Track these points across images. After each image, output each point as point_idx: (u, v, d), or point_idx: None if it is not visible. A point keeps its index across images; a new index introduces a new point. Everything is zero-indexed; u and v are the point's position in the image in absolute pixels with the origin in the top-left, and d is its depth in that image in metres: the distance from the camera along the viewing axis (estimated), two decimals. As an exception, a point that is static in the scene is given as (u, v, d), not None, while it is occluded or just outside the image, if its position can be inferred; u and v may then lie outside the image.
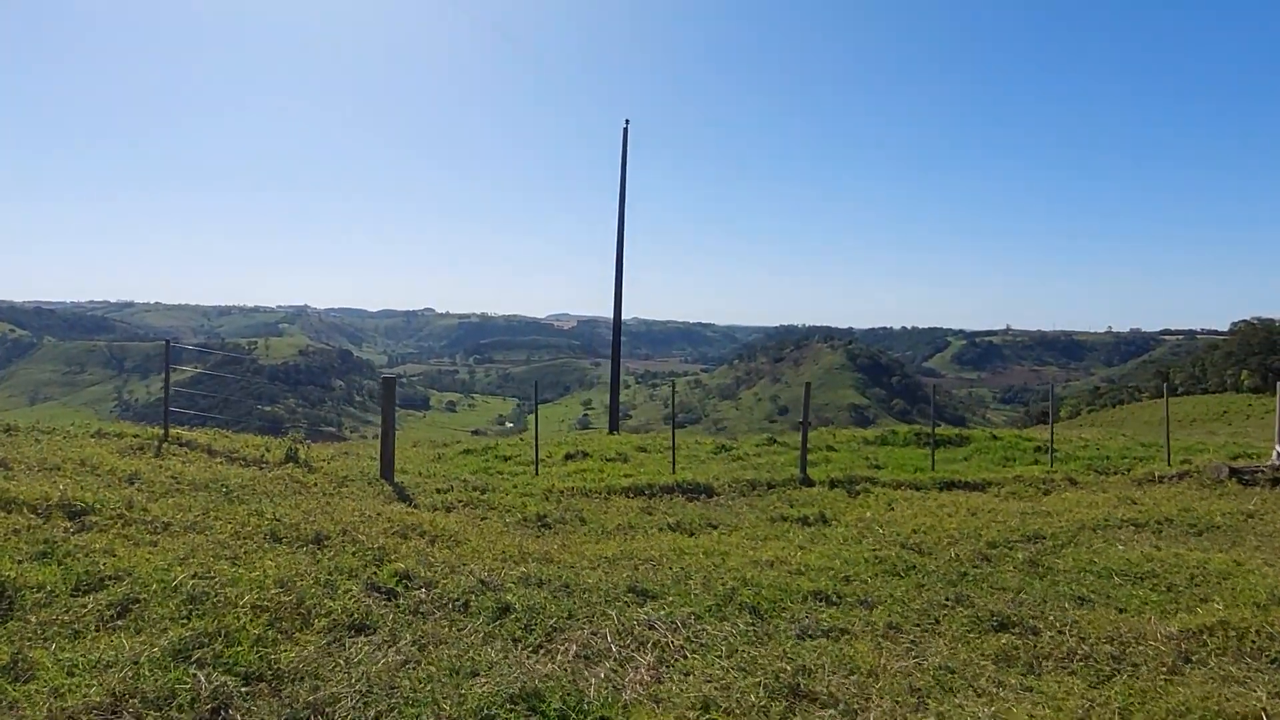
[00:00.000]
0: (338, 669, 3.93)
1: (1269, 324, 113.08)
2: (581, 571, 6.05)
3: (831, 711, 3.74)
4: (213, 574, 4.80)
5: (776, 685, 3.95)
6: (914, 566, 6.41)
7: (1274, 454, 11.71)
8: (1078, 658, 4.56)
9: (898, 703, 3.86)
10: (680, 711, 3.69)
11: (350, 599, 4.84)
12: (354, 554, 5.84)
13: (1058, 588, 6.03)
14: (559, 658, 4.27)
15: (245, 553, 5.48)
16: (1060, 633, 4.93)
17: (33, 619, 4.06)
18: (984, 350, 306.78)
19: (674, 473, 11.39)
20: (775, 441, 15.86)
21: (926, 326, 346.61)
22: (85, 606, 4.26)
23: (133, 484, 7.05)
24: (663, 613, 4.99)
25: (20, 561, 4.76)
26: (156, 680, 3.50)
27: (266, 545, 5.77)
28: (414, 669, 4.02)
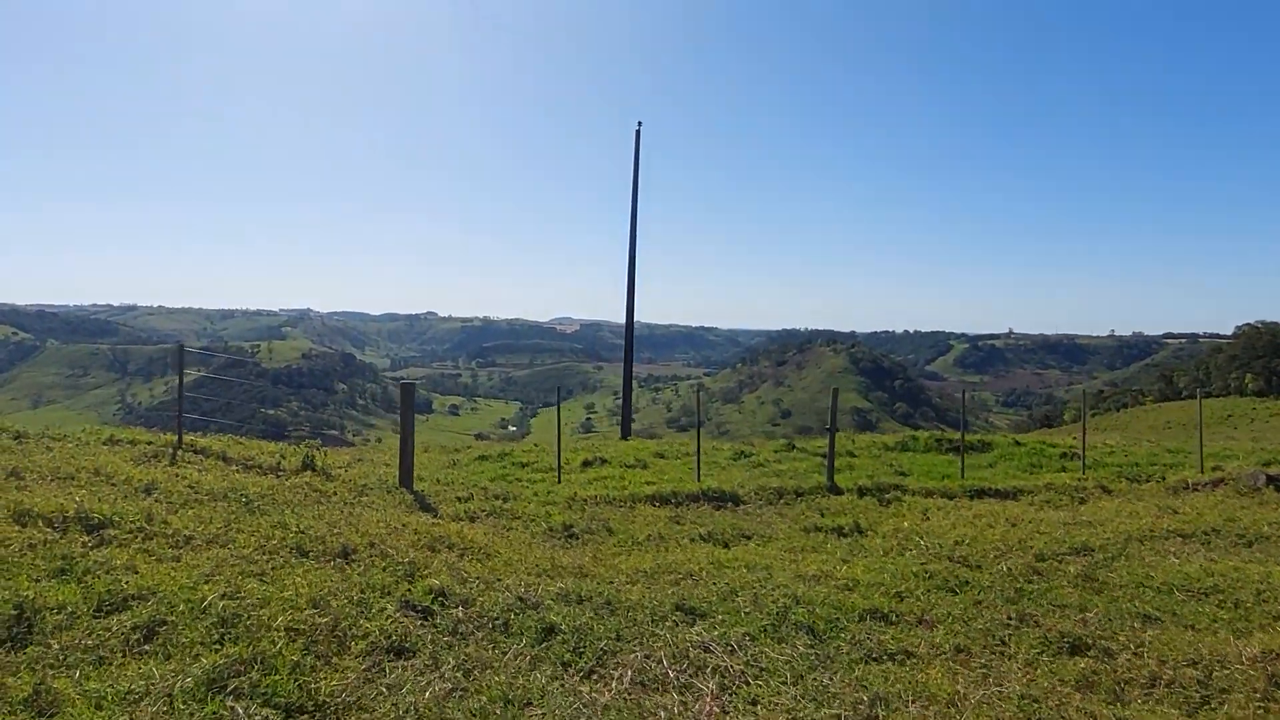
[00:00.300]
0: (382, 698, 3.67)
1: (1273, 327, 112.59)
2: (621, 587, 5.79)
3: (915, 746, 3.47)
4: (242, 593, 4.53)
5: (854, 717, 3.68)
6: (967, 582, 6.14)
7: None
8: (1162, 683, 4.28)
9: (984, 736, 3.60)
10: (754, 747, 3.43)
11: (386, 619, 4.57)
12: (384, 569, 5.58)
13: (1119, 604, 5.75)
14: (614, 685, 4.00)
15: (272, 568, 5.22)
16: (1137, 655, 4.66)
17: (54, 644, 3.80)
18: (986, 354, 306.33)
19: (699, 480, 11.11)
20: (794, 448, 15.56)
21: (929, 330, 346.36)
22: (109, 629, 3.99)
23: (150, 494, 6.79)
24: (716, 633, 4.72)
25: (38, 579, 4.50)
26: (192, 714, 3.24)
27: (293, 560, 5.50)
28: (462, 698, 3.76)
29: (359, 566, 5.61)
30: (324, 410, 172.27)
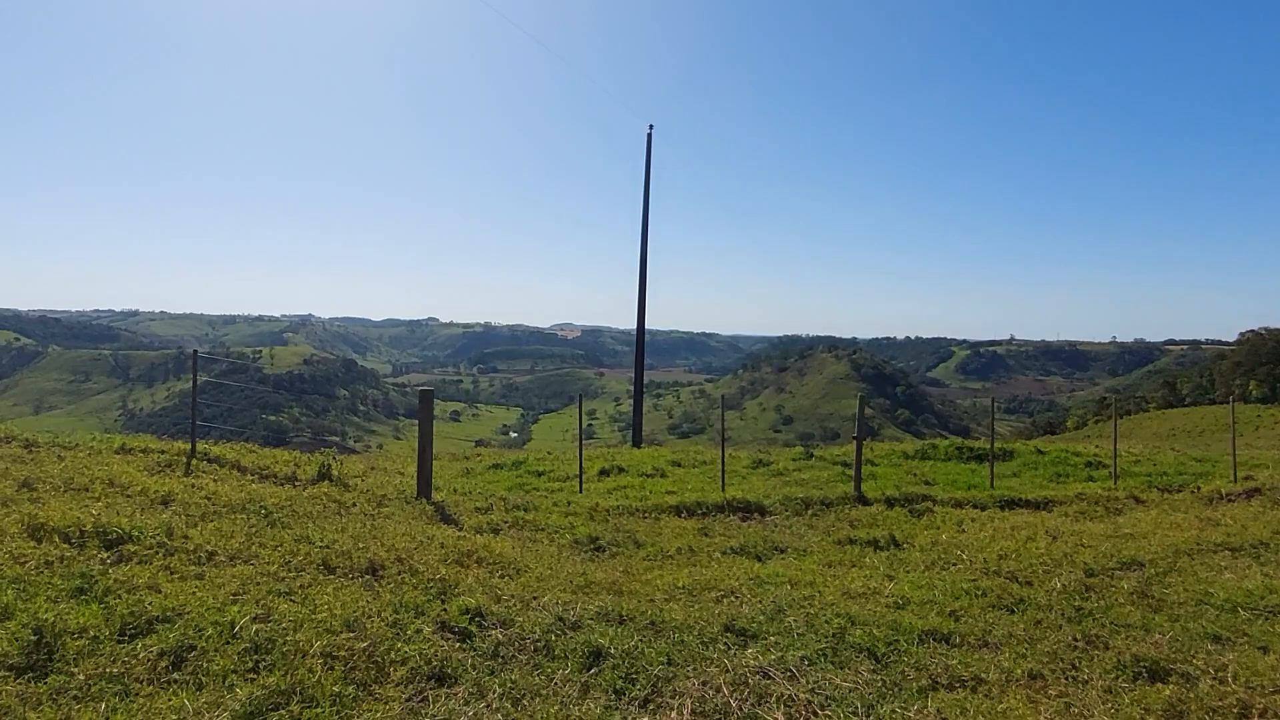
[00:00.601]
0: (429, 732, 3.41)
1: (1277, 334, 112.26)
2: (662, 605, 5.53)
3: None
4: (273, 615, 4.28)
5: (939, 753, 3.42)
6: (1022, 599, 5.87)
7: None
8: (1256, 712, 4.01)
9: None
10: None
11: (424, 642, 4.32)
12: (415, 586, 5.33)
13: (1184, 624, 5.48)
14: (674, 716, 3.74)
15: (300, 586, 4.96)
16: (1220, 681, 4.39)
17: (77, 672, 3.55)
18: (988, 360, 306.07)
19: (723, 491, 10.84)
20: (813, 456, 15.30)
21: (930, 336, 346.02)
22: (135, 655, 3.74)
23: (167, 506, 6.54)
24: (772, 657, 4.46)
25: (56, 600, 4.25)
26: (231, 754, 2.98)
27: (320, 576, 5.25)
28: (515, 731, 3.50)
29: (388, 584, 5.35)
30: (325, 416, 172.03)
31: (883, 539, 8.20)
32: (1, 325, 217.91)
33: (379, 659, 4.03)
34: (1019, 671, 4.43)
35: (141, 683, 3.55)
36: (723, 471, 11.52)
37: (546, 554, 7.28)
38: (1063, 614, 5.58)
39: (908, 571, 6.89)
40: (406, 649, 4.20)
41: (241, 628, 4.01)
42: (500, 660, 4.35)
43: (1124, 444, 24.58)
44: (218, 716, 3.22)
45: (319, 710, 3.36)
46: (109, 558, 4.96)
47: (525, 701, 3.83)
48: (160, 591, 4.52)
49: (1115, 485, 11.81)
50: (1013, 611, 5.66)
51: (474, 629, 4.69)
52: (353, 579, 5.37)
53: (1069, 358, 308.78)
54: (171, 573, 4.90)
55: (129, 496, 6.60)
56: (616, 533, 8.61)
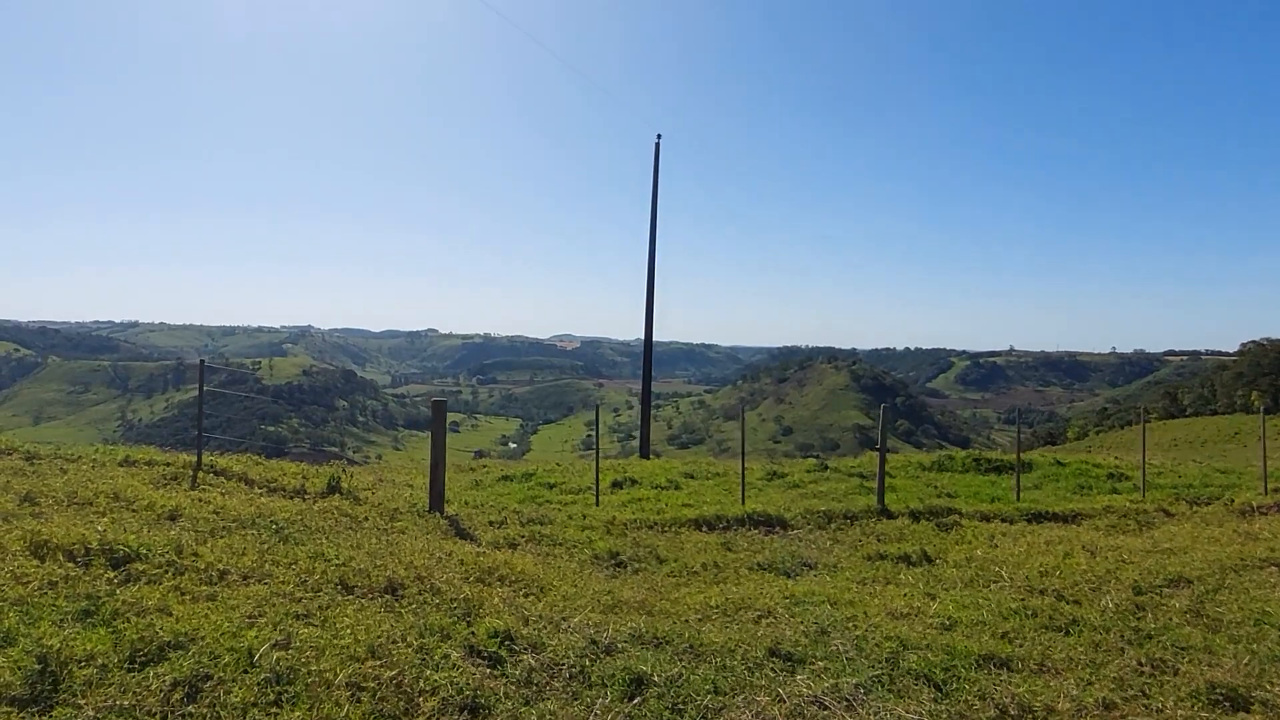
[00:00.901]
0: (469, 772, 3.13)
1: (1279, 344, 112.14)
2: (698, 627, 5.24)
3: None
4: (292, 640, 4.00)
5: (1026, 795, 3.13)
6: (1074, 620, 5.58)
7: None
8: (1351, 747, 3.73)
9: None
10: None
11: (453, 669, 4.04)
12: (438, 607, 5.04)
13: (1247, 645, 5.20)
14: (731, 752, 3.46)
15: (318, 608, 4.68)
16: (1304, 710, 4.11)
17: (85, 705, 3.26)
18: (988, 371, 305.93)
19: (743, 504, 10.55)
20: (827, 467, 15.02)
21: (930, 347, 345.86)
22: (146, 686, 3.45)
23: (174, 521, 6.25)
24: (825, 684, 4.17)
25: (62, 623, 3.96)
26: (257, 801, 2.70)
27: (339, 597, 4.96)
28: (561, 770, 3.22)
29: (410, 604, 5.07)
30: (324, 427, 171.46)
31: (914, 554, 7.92)
32: (1, 336, 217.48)
33: (407, 689, 3.75)
34: (1089, 700, 4.15)
35: (154, 716, 3.27)
36: (743, 484, 11.23)
37: (568, 570, 6.99)
38: (1121, 635, 5.30)
39: (946, 589, 6.61)
40: (436, 677, 3.92)
41: (261, 656, 3.72)
42: (534, 689, 4.07)
43: (1130, 455, 24.30)
44: (240, 757, 2.93)
45: (350, 749, 3.08)
46: (116, 577, 4.67)
47: (567, 735, 3.56)
48: (171, 614, 4.24)
49: (1143, 498, 11.52)
50: (1067, 633, 5.38)
51: (504, 654, 4.41)
52: (372, 599, 5.09)
53: (1068, 368, 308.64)
54: (182, 593, 4.61)
55: (135, 511, 6.31)
56: (637, 548, 8.33)
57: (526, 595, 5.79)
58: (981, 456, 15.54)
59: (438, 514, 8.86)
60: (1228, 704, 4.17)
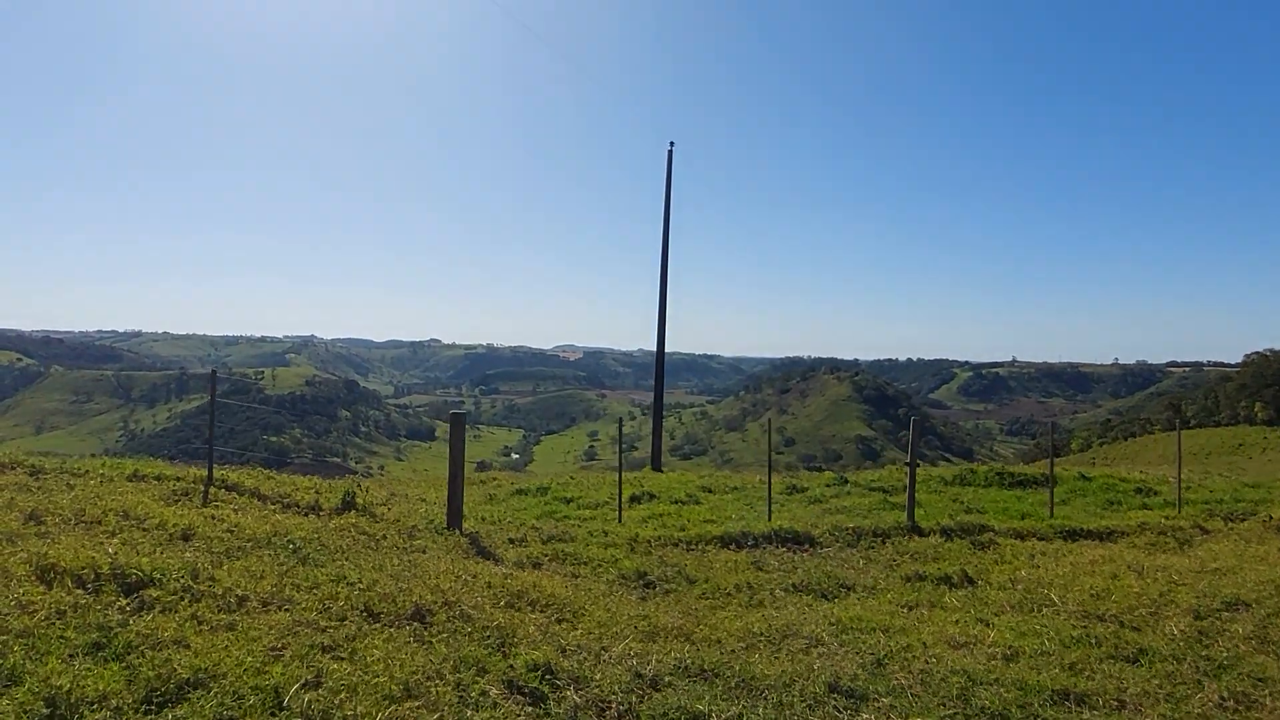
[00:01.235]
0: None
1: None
2: (745, 657, 4.93)
3: None
4: (321, 678, 3.70)
5: None
6: (1141, 649, 5.26)
7: None
8: None
9: None
10: None
11: (494, 709, 3.74)
12: (470, 636, 4.74)
13: (1329, 678, 4.88)
14: (807, 805, 3.15)
15: (345, 638, 4.37)
16: None
17: (99, 754, 2.96)
18: (990, 382, 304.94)
19: (769, 520, 10.23)
20: (847, 481, 14.70)
21: (932, 358, 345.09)
22: (166, 731, 3.15)
23: (188, 541, 5.96)
24: (895, 725, 3.86)
25: (72, 657, 3.67)
26: None
27: (365, 625, 4.66)
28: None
29: (440, 632, 4.77)
30: (326, 437, 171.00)
31: (955, 576, 7.59)
32: (4, 346, 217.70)
33: (449, 732, 3.44)
34: (1183, 743, 3.84)
35: (175, 768, 2.97)
36: (769, 501, 10.91)
37: (598, 592, 6.68)
38: (1194, 666, 4.98)
39: (997, 614, 6.28)
40: (476, 717, 3.62)
41: (290, 698, 3.42)
42: (582, 728, 3.77)
43: (1133, 466, 23.94)
44: (274, 819, 2.63)
45: (394, 807, 2.78)
46: (129, 605, 4.37)
47: (625, 785, 3.25)
48: (189, 647, 3.94)
49: (1179, 514, 11.19)
50: (1136, 663, 5.06)
51: (546, 689, 4.11)
52: (399, 626, 4.78)
53: (1071, 379, 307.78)
54: (200, 623, 4.31)
55: (146, 530, 6.01)
56: (664, 567, 8.02)
57: (560, 621, 5.48)
58: (1005, 471, 15.20)
59: (456, 531, 8.56)
60: (1333, 747, 3.85)
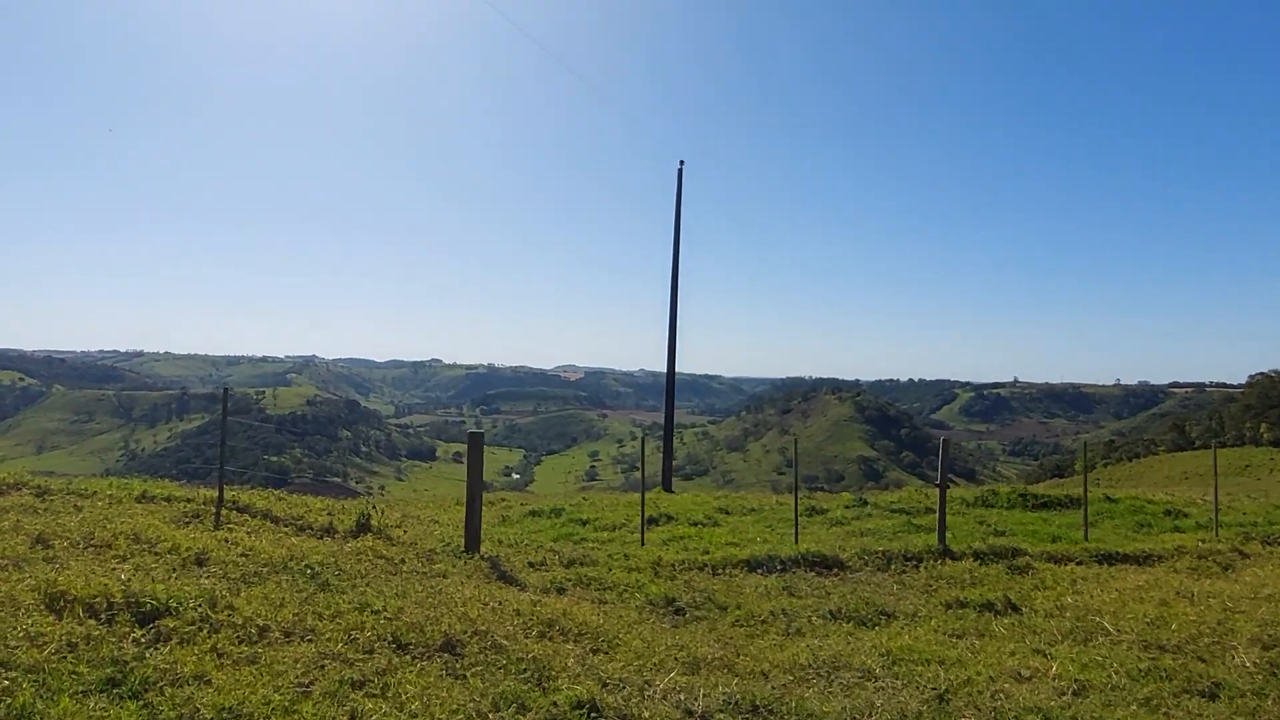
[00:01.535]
0: None
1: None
2: (798, 692, 4.63)
3: None
4: (356, 716, 3.41)
5: None
6: (1217, 683, 4.95)
7: None
8: None
9: None
10: None
11: (542, 750, 3.44)
12: (505, 669, 4.45)
13: None
14: None
15: (375, 672, 4.09)
16: None
17: (118, 808, 2.67)
18: (992, 403, 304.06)
19: (796, 543, 9.92)
20: (865, 503, 14.37)
21: (934, 379, 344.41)
22: (190, 780, 2.86)
23: (202, 566, 5.67)
24: (975, 770, 3.56)
25: (86, 695, 3.38)
26: None
27: (395, 658, 4.37)
28: None
29: (473, 665, 4.47)
30: (327, 457, 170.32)
31: (998, 602, 7.28)
32: (6, 365, 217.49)
33: (497, 779, 3.15)
34: (1291, 791, 3.53)
35: (203, 823, 2.68)
36: (795, 524, 10.60)
37: (629, 620, 6.37)
38: (1276, 701, 4.67)
39: (1051, 644, 5.98)
40: (524, 762, 3.32)
41: (326, 741, 3.13)
42: (636, 773, 3.47)
43: (1137, 487, 23.58)
44: None
45: None
46: (144, 637, 4.08)
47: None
48: (211, 683, 3.65)
49: (1216, 538, 10.86)
50: (1213, 698, 4.76)
51: (593, 729, 3.81)
52: (429, 659, 4.49)
53: (1073, 400, 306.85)
54: (220, 656, 4.02)
55: (158, 555, 5.72)
56: (692, 592, 7.71)
57: (596, 652, 5.18)
58: (1028, 492, 14.88)
59: (475, 554, 8.25)
60: None
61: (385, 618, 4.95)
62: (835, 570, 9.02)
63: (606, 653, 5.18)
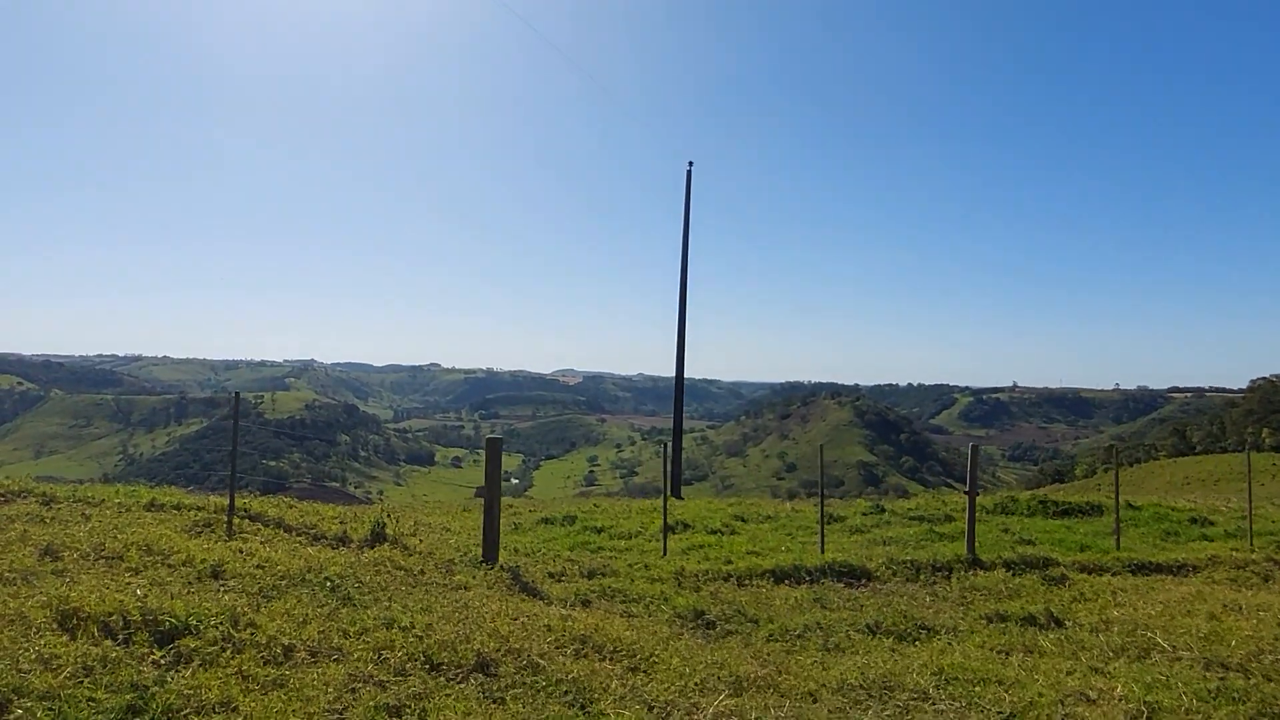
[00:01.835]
0: None
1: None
2: (857, 717, 4.37)
3: None
4: (399, 749, 3.15)
5: None
6: (1293, 706, 4.70)
7: None
8: None
9: None
10: None
11: (598, 785, 3.18)
12: (544, 691, 4.19)
13: None
14: None
15: (410, 696, 3.83)
16: None
17: None
18: (991, 407, 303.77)
19: (822, 553, 9.67)
20: (883, 510, 14.12)
21: (933, 383, 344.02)
22: (224, 824, 2.60)
23: (218, 579, 5.41)
24: (1063, 805, 3.30)
25: (103, 725, 3.12)
26: None
27: (429, 680, 4.11)
28: None
29: (510, 687, 4.21)
30: (325, 462, 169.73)
31: (1040, 616, 7.02)
32: (4, 369, 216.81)
33: (556, 820, 2.89)
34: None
35: None
36: (821, 532, 10.33)
37: (662, 635, 6.10)
38: (1360, 728, 4.42)
39: (1105, 661, 5.71)
40: (581, 798, 3.06)
41: (371, 779, 2.87)
42: (698, 809, 3.20)
43: (1141, 494, 23.33)
44: None
45: None
46: (164, 658, 3.82)
47: None
48: (238, 711, 3.39)
49: (1251, 547, 10.61)
50: (1290, 723, 4.50)
51: (647, 759, 3.55)
52: (464, 680, 4.24)
53: (1072, 405, 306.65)
54: (246, 679, 3.76)
55: (172, 567, 5.46)
56: (719, 604, 7.45)
57: (634, 670, 4.92)
58: (1048, 499, 14.63)
59: (495, 565, 7.99)
60: None
61: (415, 635, 4.69)
62: (864, 581, 8.77)
63: (646, 672, 4.91)
